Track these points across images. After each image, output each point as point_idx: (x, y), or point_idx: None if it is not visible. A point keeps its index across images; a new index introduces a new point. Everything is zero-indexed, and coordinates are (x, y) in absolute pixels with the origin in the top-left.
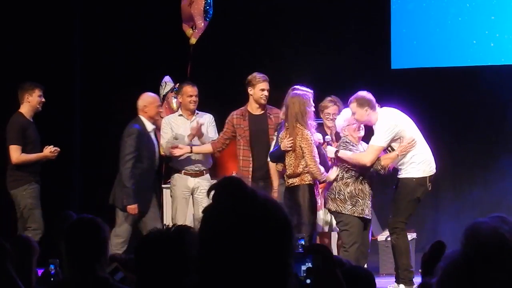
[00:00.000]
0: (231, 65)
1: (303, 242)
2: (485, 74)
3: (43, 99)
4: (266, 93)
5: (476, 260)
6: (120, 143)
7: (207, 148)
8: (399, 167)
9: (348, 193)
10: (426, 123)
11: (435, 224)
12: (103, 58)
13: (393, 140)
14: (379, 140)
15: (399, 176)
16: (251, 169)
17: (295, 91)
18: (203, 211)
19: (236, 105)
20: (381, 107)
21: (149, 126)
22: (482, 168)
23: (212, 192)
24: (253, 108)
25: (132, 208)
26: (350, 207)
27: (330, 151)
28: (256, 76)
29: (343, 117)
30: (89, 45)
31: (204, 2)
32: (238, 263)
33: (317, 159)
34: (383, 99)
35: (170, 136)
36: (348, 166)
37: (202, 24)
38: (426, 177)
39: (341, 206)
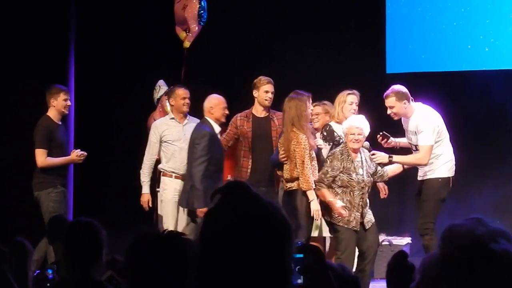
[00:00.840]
0: (224, 69)
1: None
2: (479, 78)
3: (69, 103)
4: (270, 95)
5: (454, 262)
6: (189, 145)
7: None
8: (424, 168)
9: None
10: None
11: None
12: (97, 60)
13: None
14: (428, 139)
15: (425, 178)
16: (249, 170)
17: (292, 95)
18: (206, 214)
19: (230, 108)
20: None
21: (217, 128)
22: (477, 172)
23: (217, 196)
24: (257, 110)
25: (203, 211)
26: (336, 215)
27: (382, 157)
28: (261, 78)
29: (347, 123)
30: (84, 47)
31: (198, 6)
32: (239, 265)
33: (308, 166)
34: (379, 103)
35: (157, 140)
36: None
37: (196, 28)
38: (450, 177)
39: (330, 215)
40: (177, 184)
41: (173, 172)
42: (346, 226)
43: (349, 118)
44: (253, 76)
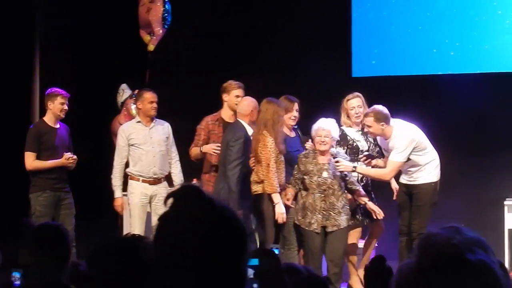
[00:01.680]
0: (189, 72)
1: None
2: (445, 82)
3: (66, 107)
4: (240, 100)
5: (430, 271)
6: (223, 148)
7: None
8: (413, 174)
9: (301, 204)
10: None
11: (396, 233)
12: (62, 63)
13: (411, 153)
14: (399, 156)
15: (416, 183)
16: None
17: (271, 98)
18: (159, 218)
19: (194, 112)
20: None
21: (250, 130)
22: (445, 176)
23: (170, 200)
24: (227, 115)
25: (238, 214)
26: (300, 218)
27: (346, 166)
28: (232, 83)
29: (316, 125)
30: (49, 51)
31: (162, 9)
32: (193, 270)
33: (273, 169)
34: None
35: (125, 144)
36: (299, 177)
37: (161, 31)
38: (438, 181)
39: (295, 216)
40: (144, 188)
41: (140, 176)
42: (307, 228)
43: (318, 121)
44: (218, 80)
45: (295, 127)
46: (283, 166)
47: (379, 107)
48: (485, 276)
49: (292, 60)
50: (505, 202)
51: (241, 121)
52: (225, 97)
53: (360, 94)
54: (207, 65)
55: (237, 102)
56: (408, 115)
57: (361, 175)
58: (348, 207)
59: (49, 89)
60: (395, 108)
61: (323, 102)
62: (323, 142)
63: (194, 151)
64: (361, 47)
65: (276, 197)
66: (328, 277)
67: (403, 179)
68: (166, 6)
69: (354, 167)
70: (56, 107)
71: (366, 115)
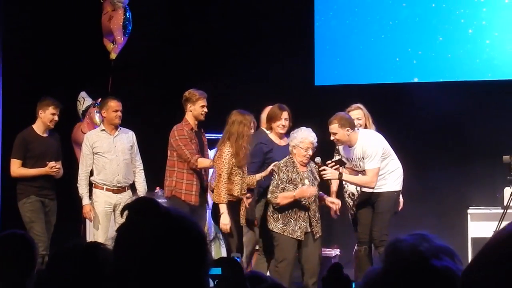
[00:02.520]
0: (149, 81)
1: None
2: (408, 91)
3: (57, 118)
4: (206, 109)
5: (396, 276)
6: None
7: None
8: (377, 182)
9: (282, 213)
10: None
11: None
12: (21, 71)
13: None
14: (374, 163)
15: (380, 191)
16: (199, 183)
17: (241, 110)
18: (117, 230)
19: (157, 121)
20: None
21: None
22: (409, 184)
23: (126, 212)
24: (193, 124)
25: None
26: (281, 225)
27: (333, 173)
28: (196, 92)
29: (302, 136)
30: (9, 57)
31: (123, 17)
32: (151, 281)
33: (224, 180)
34: (307, 115)
35: (89, 152)
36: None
37: (122, 39)
38: (400, 191)
39: (273, 224)
40: (108, 197)
41: (104, 184)
42: (290, 236)
43: (303, 131)
44: (180, 88)
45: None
46: (239, 179)
47: (342, 113)
48: (451, 283)
49: (255, 68)
50: (469, 211)
51: (264, 129)
52: (190, 107)
53: (361, 106)
54: (168, 73)
55: (203, 112)
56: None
57: (348, 187)
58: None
59: (42, 97)
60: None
61: None
62: (310, 155)
63: (204, 161)
64: (324, 55)
65: (223, 208)
66: (305, 286)
67: (366, 189)
68: (127, 15)
69: (340, 174)
70: (47, 117)
71: (330, 122)
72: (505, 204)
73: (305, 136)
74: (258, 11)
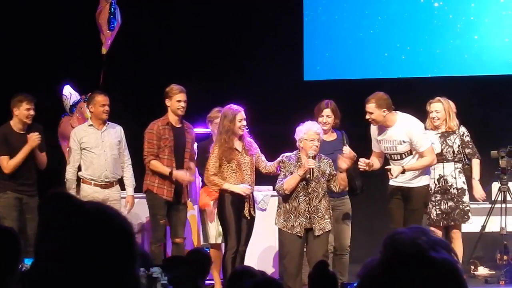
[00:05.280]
0: (142, 76)
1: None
2: (397, 86)
3: (32, 112)
4: (183, 104)
5: (394, 268)
6: None
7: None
8: (404, 176)
9: (284, 208)
10: None
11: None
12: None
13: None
14: (426, 142)
15: (413, 185)
16: (171, 181)
17: (232, 105)
18: (37, 226)
19: (146, 116)
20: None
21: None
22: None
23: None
24: (173, 120)
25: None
26: (282, 221)
27: (398, 169)
28: (173, 87)
29: (306, 128)
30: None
31: (108, 12)
32: (74, 277)
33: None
34: (296, 110)
35: (77, 147)
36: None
37: (110, 34)
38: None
39: (277, 219)
40: (96, 192)
41: (92, 180)
42: (289, 232)
43: (304, 124)
44: (170, 84)
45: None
46: (231, 173)
47: (381, 93)
48: (449, 274)
49: (244, 63)
50: None
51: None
52: (167, 102)
53: (442, 99)
54: (158, 69)
55: (179, 107)
56: (359, 119)
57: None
58: (331, 210)
59: (15, 94)
60: (346, 112)
61: (274, 105)
62: (317, 146)
63: (159, 167)
64: (313, 50)
65: (226, 186)
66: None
67: (395, 182)
68: (112, 9)
69: (402, 166)
70: (22, 113)
71: (367, 101)
72: (493, 198)
73: (308, 128)
74: (247, 6)
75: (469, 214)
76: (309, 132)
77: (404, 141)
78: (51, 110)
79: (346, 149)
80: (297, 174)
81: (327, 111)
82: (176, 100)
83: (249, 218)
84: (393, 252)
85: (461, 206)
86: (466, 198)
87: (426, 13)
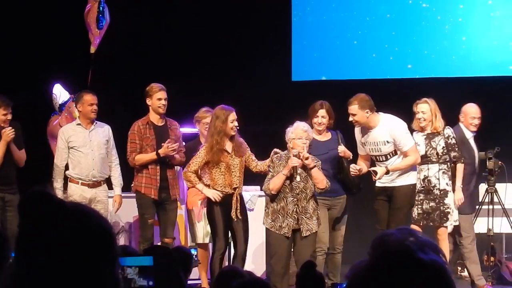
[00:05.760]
0: (129, 76)
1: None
2: (384, 87)
3: (9, 117)
4: (163, 102)
5: (383, 270)
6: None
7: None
8: (389, 176)
9: (271, 208)
10: None
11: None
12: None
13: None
14: (409, 140)
15: (396, 184)
16: (158, 177)
17: (224, 105)
18: (18, 225)
19: (132, 116)
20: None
21: (468, 134)
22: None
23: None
24: (154, 118)
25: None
26: (270, 221)
27: (381, 170)
28: (153, 86)
29: (293, 127)
30: None
31: (97, 11)
32: (51, 275)
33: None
34: (284, 110)
35: (65, 146)
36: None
37: (98, 33)
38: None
39: (265, 219)
40: (83, 191)
41: (79, 179)
42: (277, 232)
43: (292, 125)
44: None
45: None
46: (219, 175)
47: (363, 95)
48: (437, 275)
49: (232, 63)
50: None
51: (460, 124)
52: (148, 101)
53: (429, 100)
54: (146, 68)
55: (160, 105)
56: (346, 119)
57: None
58: (318, 211)
59: None
60: (334, 112)
61: (262, 105)
62: (304, 144)
63: (143, 157)
64: (301, 51)
65: (199, 187)
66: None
67: (380, 183)
68: (100, 8)
69: (386, 167)
70: None
71: (349, 103)
72: (480, 200)
73: (295, 126)
74: (235, 7)
75: (449, 216)
76: (296, 130)
77: (387, 141)
78: (40, 109)
79: (341, 149)
80: (282, 173)
81: (322, 112)
82: (157, 98)
83: (235, 220)
84: (381, 254)
85: (441, 208)
86: (448, 200)
87: (414, 14)
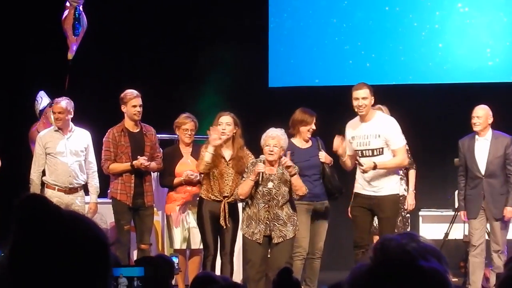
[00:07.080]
0: (108, 82)
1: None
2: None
3: None
4: (138, 108)
5: (382, 275)
6: None
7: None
8: (376, 184)
9: (246, 214)
10: None
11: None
12: None
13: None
14: (401, 141)
15: (382, 194)
16: (132, 184)
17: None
18: (12, 232)
19: (111, 122)
20: None
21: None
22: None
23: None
24: (129, 125)
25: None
26: (245, 227)
27: (368, 164)
28: (127, 93)
29: (264, 135)
30: None
31: (73, 17)
32: (44, 283)
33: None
34: (260, 117)
35: (42, 152)
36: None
37: (75, 39)
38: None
39: (241, 225)
40: (60, 197)
41: (55, 185)
42: (250, 238)
43: (267, 130)
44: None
45: None
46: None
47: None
48: (437, 284)
49: (208, 69)
50: (420, 213)
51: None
52: (123, 108)
53: (383, 107)
54: (123, 74)
55: (135, 112)
56: (324, 125)
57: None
58: (295, 217)
59: None
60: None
61: (239, 111)
62: (271, 151)
63: (118, 167)
64: (278, 57)
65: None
66: None
67: (366, 191)
68: (76, 14)
69: (374, 162)
70: None
71: (358, 87)
72: (456, 206)
73: (265, 134)
74: (211, 12)
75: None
76: (265, 137)
77: (379, 135)
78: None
79: (322, 155)
80: (249, 179)
81: (314, 120)
82: (132, 105)
83: (224, 227)
84: (382, 260)
85: (403, 213)
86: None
87: (391, 21)
